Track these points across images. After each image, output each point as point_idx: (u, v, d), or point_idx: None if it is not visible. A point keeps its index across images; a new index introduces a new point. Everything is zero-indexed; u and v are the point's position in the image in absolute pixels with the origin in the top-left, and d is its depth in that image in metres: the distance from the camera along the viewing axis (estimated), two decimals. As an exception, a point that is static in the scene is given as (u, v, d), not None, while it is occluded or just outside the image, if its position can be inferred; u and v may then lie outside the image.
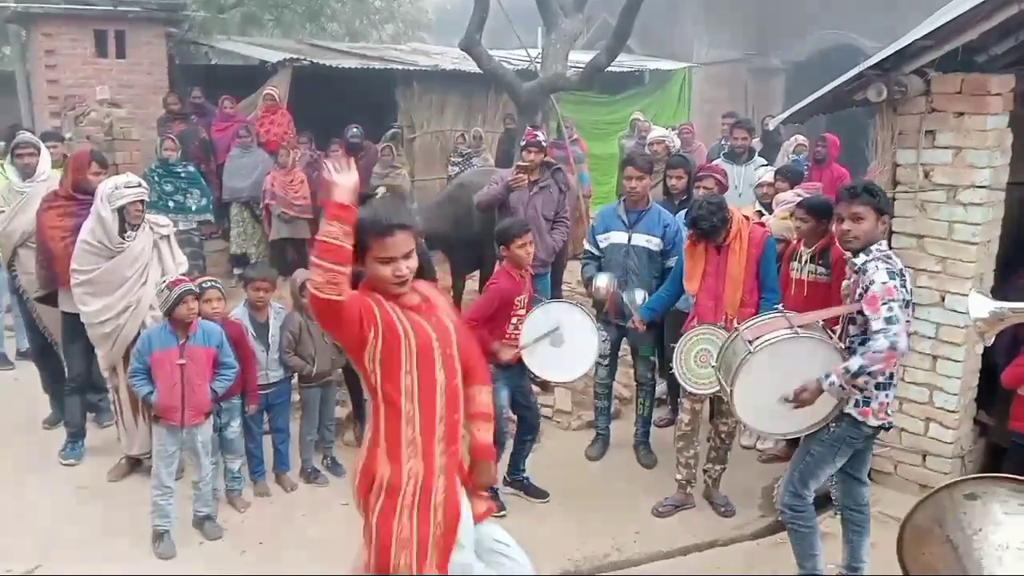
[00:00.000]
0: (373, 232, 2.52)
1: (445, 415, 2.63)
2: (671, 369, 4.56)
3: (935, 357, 4.40)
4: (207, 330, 4.31)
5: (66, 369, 5.21)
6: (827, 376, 3.28)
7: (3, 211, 5.36)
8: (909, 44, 4.13)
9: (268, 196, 8.39)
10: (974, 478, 2.49)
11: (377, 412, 2.62)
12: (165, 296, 4.16)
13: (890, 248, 3.87)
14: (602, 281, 4.92)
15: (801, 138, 8.35)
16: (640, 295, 4.86)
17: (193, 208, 7.83)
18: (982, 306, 2.93)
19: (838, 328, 3.65)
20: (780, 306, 3.82)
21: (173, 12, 10.95)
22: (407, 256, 2.55)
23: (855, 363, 3.25)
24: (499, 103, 11.46)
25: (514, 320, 4.47)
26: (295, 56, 10.26)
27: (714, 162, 7.01)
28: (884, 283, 3.26)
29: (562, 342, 4.48)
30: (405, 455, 2.58)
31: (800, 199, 4.79)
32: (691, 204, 4.64)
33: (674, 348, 4.46)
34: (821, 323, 3.58)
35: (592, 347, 4.60)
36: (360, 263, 2.55)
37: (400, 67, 11.07)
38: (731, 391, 3.51)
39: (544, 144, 5.86)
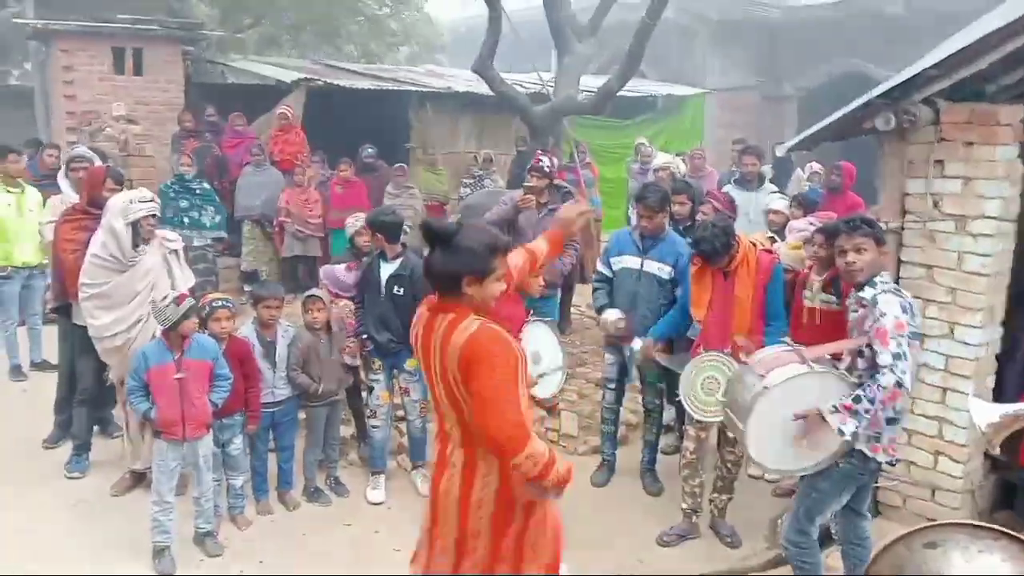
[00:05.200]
0: (501, 251, 2.71)
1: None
2: (678, 396, 4.53)
3: (944, 389, 4.34)
4: (202, 343, 4.31)
5: (78, 381, 5.21)
6: (832, 412, 3.26)
7: (53, 221, 5.37)
8: (918, 73, 4.12)
9: (283, 214, 8.45)
10: (933, 526, 2.43)
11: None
12: (171, 312, 4.16)
13: (898, 278, 3.86)
14: (612, 316, 4.92)
15: (816, 165, 8.35)
16: (639, 344, 4.85)
17: (208, 225, 7.90)
18: (988, 413, 2.85)
19: (845, 361, 3.62)
20: (787, 338, 3.79)
21: (191, 31, 11.09)
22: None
23: (859, 396, 3.24)
24: (512, 125, 11.53)
25: None
26: (309, 76, 10.35)
27: (724, 188, 7.00)
28: (896, 317, 3.25)
29: (540, 359, 4.44)
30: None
31: (816, 227, 4.77)
32: (696, 226, 4.63)
33: (681, 375, 4.43)
34: (828, 356, 3.55)
35: (557, 364, 4.50)
36: (456, 289, 2.65)
37: (413, 88, 11.15)
38: (744, 429, 3.45)
39: (547, 169, 5.87)
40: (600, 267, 5.22)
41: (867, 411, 3.26)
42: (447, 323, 2.64)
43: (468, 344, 2.56)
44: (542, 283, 4.50)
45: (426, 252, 2.77)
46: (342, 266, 5.47)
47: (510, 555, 2.76)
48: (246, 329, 4.80)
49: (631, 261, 5.00)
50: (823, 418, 3.29)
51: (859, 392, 3.24)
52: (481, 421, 2.57)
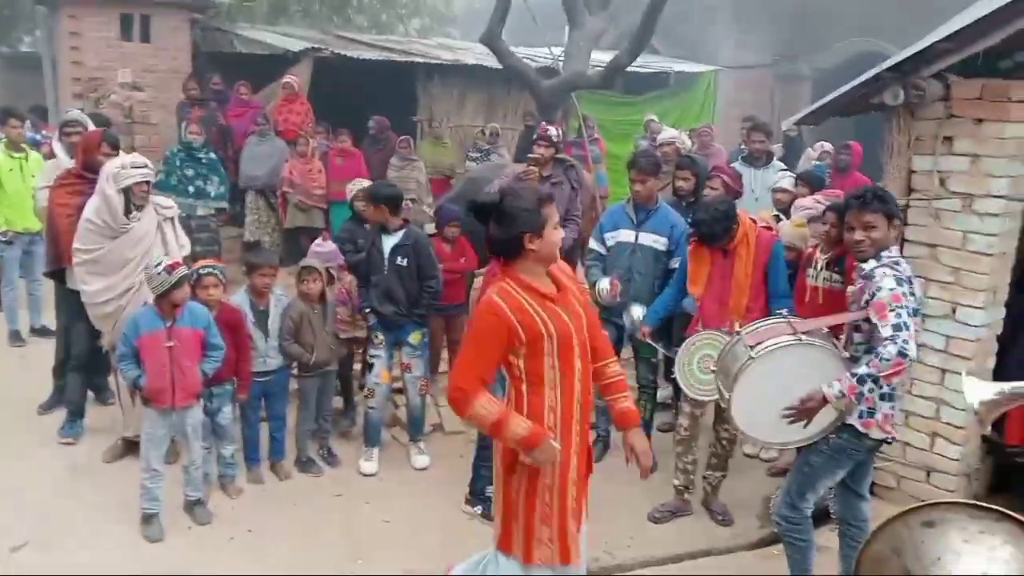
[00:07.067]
0: (536, 205, 2.76)
1: (582, 398, 2.88)
2: (675, 374, 4.47)
3: (944, 371, 4.27)
4: (194, 311, 4.26)
5: (71, 347, 5.21)
6: (831, 385, 3.18)
7: (48, 186, 5.32)
8: (929, 46, 4.01)
9: (286, 184, 8.39)
10: (931, 504, 2.36)
11: (520, 398, 2.85)
12: (162, 279, 4.10)
13: (902, 256, 3.77)
14: (603, 284, 4.87)
15: (827, 145, 8.22)
16: (639, 311, 4.78)
17: (212, 194, 7.82)
18: (981, 390, 2.71)
19: (843, 335, 3.55)
20: (785, 311, 3.72)
21: (199, -2, 11.01)
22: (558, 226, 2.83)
23: (862, 370, 3.15)
24: (520, 100, 11.43)
25: None
26: (316, 46, 10.26)
27: (731, 165, 6.89)
28: (892, 289, 3.16)
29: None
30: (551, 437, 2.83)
31: (823, 205, 4.69)
32: (697, 207, 4.55)
33: (677, 353, 4.37)
34: (826, 330, 3.48)
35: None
36: (521, 250, 2.77)
37: (421, 60, 11.04)
38: (729, 398, 3.41)
39: (555, 139, 5.79)
40: (593, 244, 5.14)
41: (871, 390, 3.19)
42: None
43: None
44: None
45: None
46: (319, 241, 5.43)
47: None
48: (238, 297, 4.76)
49: (626, 235, 4.94)
50: (825, 399, 3.21)
51: (861, 371, 3.15)
52: None
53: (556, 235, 2.80)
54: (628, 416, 3.06)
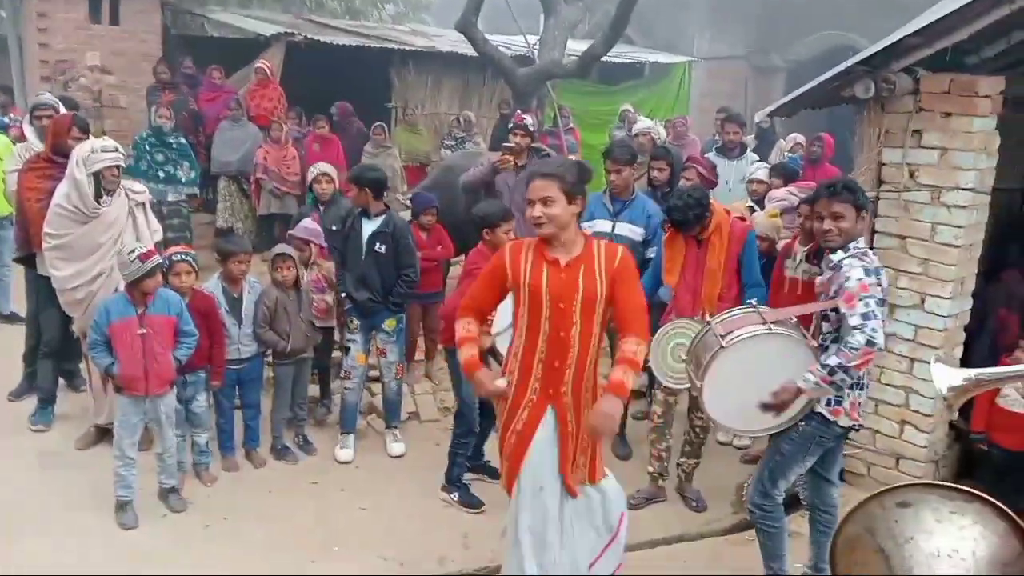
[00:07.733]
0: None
1: (544, 360, 3.08)
2: (648, 362, 4.51)
3: (912, 360, 4.36)
4: (166, 298, 4.22)
5: (42, 333, 5.13)
6: (806, 380, 3.23)
7: (17, 170, 5.24)
8: (898, 41, 4.07)
9: (260, 170, 8.30)
10: (905, 486, 2.42)
11: None
12: (135, 267, 4.05)
13: (872, 247, 3.84)
14: None
15: (799, 137, 8.30)
16: None
17: (183, 180, 7.72)
18: (950, 376, 2.76)
19: (812, 325, 3.61)
20: (754, 300, 3.77)
21: (170, -20, 10.84)
22: (544, 202, 2.98)
23: (832, 360, 3.20)
24: (495, 88, 11.39)
25: None
26: (289, 30, 10.15)
27: (705, 156, 6.94)
28: (860, 279, 3.21)
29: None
30: (507, 376, 3.17)
31: (796, 198, 4.74)
32: (672, 194, 4.59)
33: (651, 341, 4.41)
34: (794, 320, 3.54)
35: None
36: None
37: (395, 47, 10.97)
38: (700, 387, 3.45)
39: (531, 128, 5.80)
40: None
41: (843, 380, 3.22)
42: None
43: None
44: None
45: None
46: (307, 219, 5.41)
47: None
48: (211, 284, 4.73)
49: (603, 225, 4.96)
50: (799, 390, 3.26)
51: (831, 362, 3.20)
52: None
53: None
54: (613, 385, 2.98)
